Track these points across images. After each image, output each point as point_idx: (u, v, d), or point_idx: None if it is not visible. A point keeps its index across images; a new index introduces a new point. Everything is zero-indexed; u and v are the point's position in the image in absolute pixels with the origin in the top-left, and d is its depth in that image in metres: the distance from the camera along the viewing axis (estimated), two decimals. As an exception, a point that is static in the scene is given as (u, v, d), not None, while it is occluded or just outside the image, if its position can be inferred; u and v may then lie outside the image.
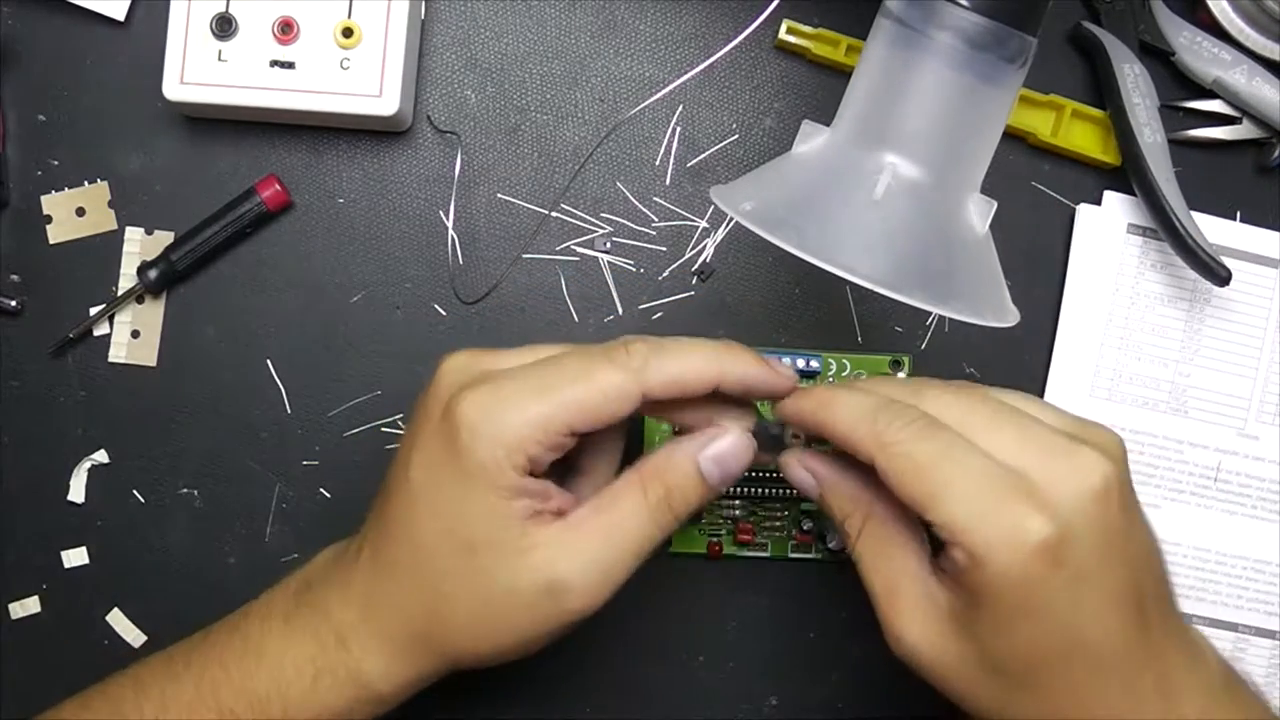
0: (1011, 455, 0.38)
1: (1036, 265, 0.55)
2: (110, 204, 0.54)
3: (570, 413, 0.40)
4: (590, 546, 0.41)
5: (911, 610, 0.40)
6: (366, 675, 0.42)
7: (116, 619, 0.54)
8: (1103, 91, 0.54)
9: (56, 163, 0.54)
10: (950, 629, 0.39)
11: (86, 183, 0.54)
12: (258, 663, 0.43)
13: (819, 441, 0.43)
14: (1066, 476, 0.37)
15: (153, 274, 0.53)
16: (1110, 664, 0.38)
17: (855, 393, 0.40)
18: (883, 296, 0.39)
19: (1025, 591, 0.37)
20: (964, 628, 0.39)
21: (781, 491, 0.53)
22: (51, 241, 0.54)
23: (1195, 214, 0.53)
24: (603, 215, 0.55)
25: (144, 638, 0.54)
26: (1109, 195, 0.55)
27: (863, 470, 0.41)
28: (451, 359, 0.43)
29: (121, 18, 0.54)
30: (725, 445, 0.42)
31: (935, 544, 0.41)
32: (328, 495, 0.54)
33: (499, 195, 0.55)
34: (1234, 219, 0.55)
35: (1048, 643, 0.38)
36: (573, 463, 0.45)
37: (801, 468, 0.43)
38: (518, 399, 0.40)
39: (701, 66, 0.51)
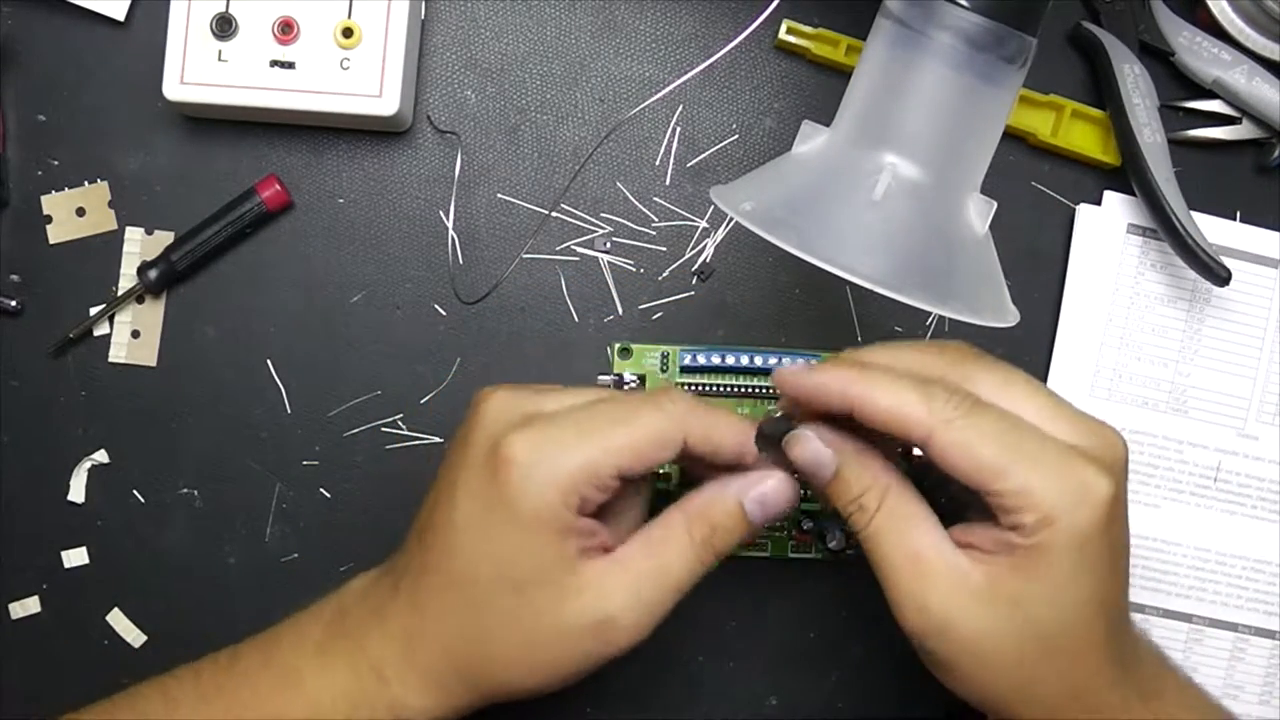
0: (1055, 428, 0.40)
1: (1036, 265, 0.55)
2: (110, 204, 0.54)
3: (620, 457, 0.41)
4: (639, 585, 0.41)
5: (940, 580, 0.40)
6: (407, 711, 0.42)
7: (116, 619, 0.54)
8: (1103, 91, 0.54)
9: (56, 163, 0.54)
10: (985, 601, 0.39)
11: (86, 183, 0.54)
12: (295, 694, 0.43)
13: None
14: (1106, 447, 0.40)
15: (153, 274, 0.53)
16: (1121, 631, 0.41)
17: (890, 370, 0.40)
18: (883, 296, 0.39)
19: (1090, 547, 0.38)
20: (1008, 600, 0.39)
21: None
22: (51, 241, 0.54)
23: (1195, 214, 0.53)
24: (603, 215, 0.55)
25: (144, 638, 0.54)
26: (1109, 195, 0.55)
27: (874, 447, 0.42)
28: (492, 397, 0.43)
29: (121, 18, 0.54)
30: (770, 487, 0.43)
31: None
32: (328, 495, 0.54)
33: (499, 195, 0.55)
34: (1234, 219, 0.55)
35: (1093, 605, 0.39)
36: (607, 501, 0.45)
37: (818, 442, 0.42)
38: (569, 442, 0.41)
39: (701, 66, 0.51)
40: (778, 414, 0.44)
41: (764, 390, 0.54)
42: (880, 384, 0.40)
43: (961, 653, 0.40)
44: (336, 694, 0.42)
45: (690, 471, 0.47)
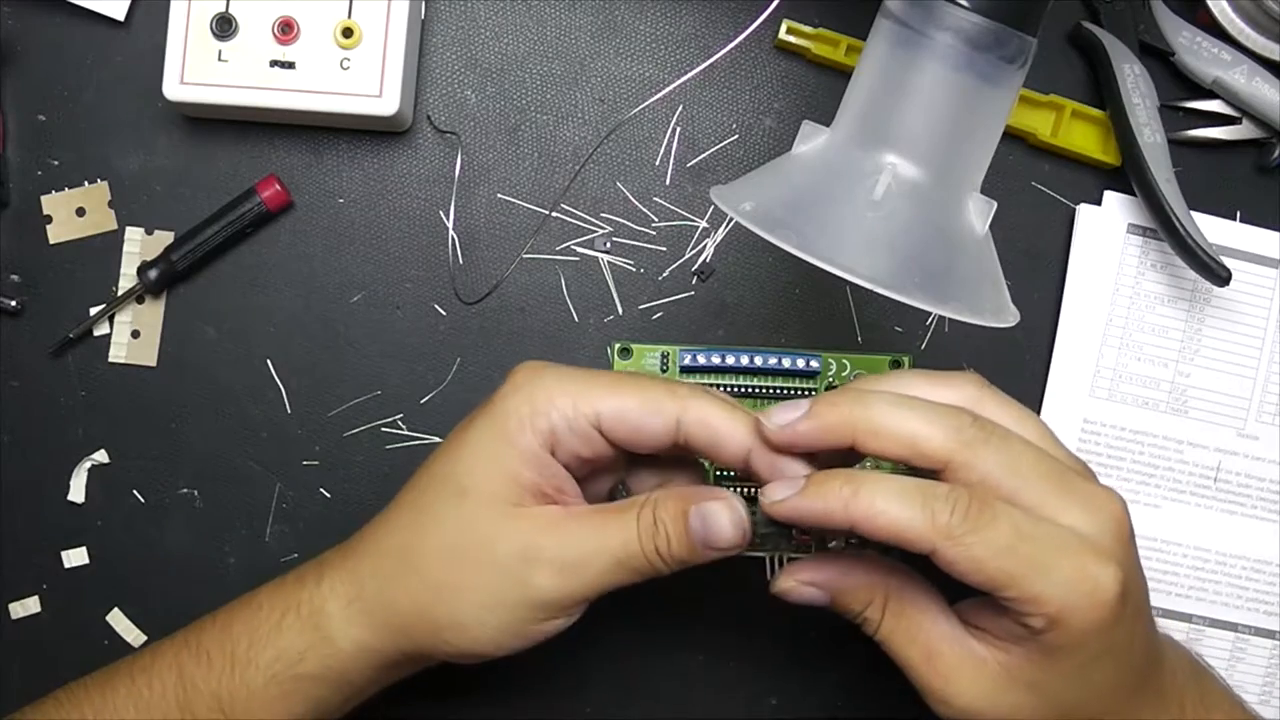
0: (1058, 510, 0.39)
1: (1036, 265, 0.55)
2: (110, 204, 0.54)
3: (605, 404, 0.41)
4: (573, 532, 0.41)
5: (958, 673, 0.40)
6: (326, 616, 0.42)
7: (116, 619, 0.54)
8: (1103, 91, 0.54)
9: (56, 163, 0.54)
10: (1003, 684, 0.40)
11: (86, 183, 0.54)
12: (243, 606, 0.44)
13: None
14: (1107, 523, 0.39)
15: (153, 274, 0.53)
16: (1148, 673, 0.41)
17: (887, 481, 0.39)
18: (883, 296, 0.39)
19: (1105, 638, 0.38)
20: (1027, 686, 0.39)
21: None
22: (51, 241, 0.54)
23: (1195, 214, 0.53)
24: (603, 215, 0.55)
25: (144, 638, 0.54)
26: (1109, 195, 0.55)
27: (865, 554, 0.42)
28: (524, 364, 0.43)
29: (121, 18, 0.54)
30: (715, 507, 0.41)
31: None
32: (328, 495, 0.54)
33: (499, 195, 0.55)
34: (1234, 219, 0.55)
35: (1120, 674, 0.40)
36: None
37: (805, 586, 0.42)
38: (564, 373, 0.42)
39: (701, 66, 0.51)
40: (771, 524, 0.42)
41: (764, 390, 0.54)
42: (877, 500, 0.38)
43: None
44: (276, 600, 0.43)
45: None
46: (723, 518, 0.41)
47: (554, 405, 0.41)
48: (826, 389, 0.54)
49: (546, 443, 0.41)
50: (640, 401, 0.41)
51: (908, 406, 0.39)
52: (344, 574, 0.43)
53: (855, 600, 0.42)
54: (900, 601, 0.41)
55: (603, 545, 0.41)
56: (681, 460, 0.46)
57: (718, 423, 0.41)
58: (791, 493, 0.40)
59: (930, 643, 0.40)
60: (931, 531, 0.38)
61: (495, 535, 0.41)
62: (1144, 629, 0.41)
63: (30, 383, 0.54)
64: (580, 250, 0.55)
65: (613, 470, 0.45)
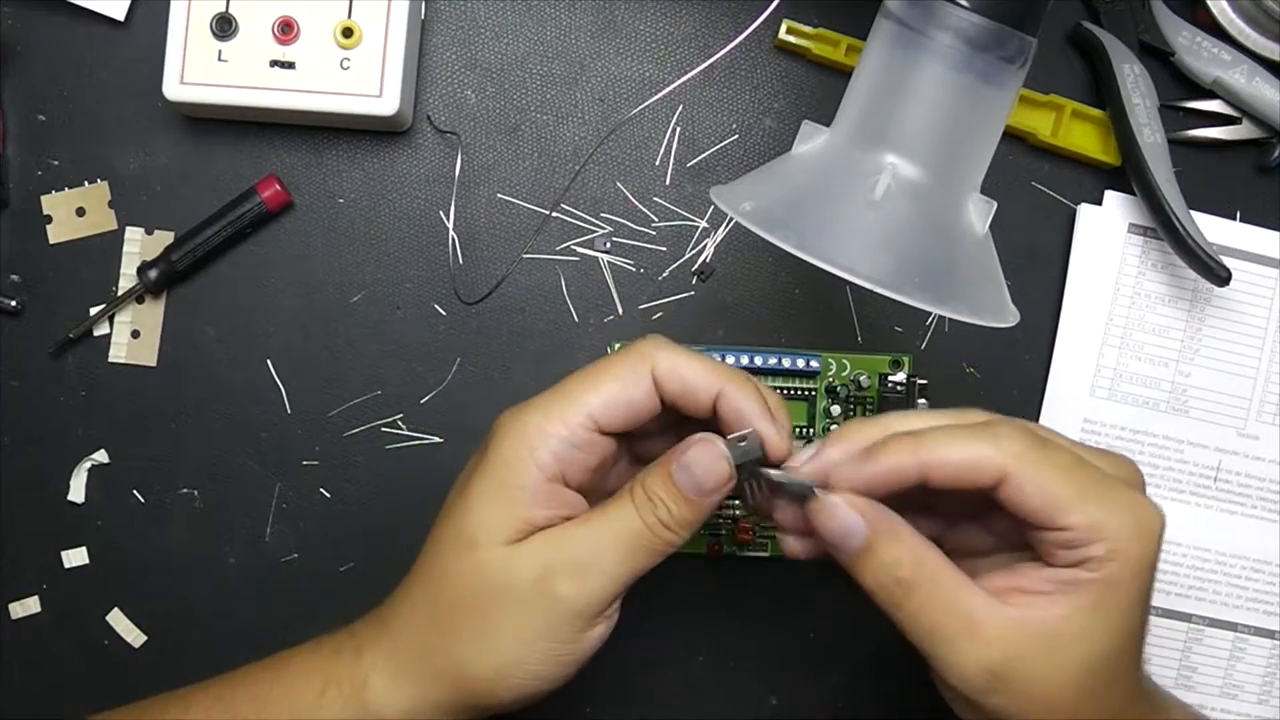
0: (1092, 459, 0.40)
1: (1036, 265, 0.55)
2: (110, 204, 0.54)
3: (591, 402, 0.41)
4: (578, 535, 0.41)
5: (998, 636, 0.39)
6: (370, 690, 0.41)
7: (116, 619, 0.54)
8: (1103, 91, 0.54)
9: (56, 163, 0.54)
10: (1049, 644, 0.39)
11: (86, 183, 0.54)
12: (277, 676, 0.43)
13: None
14: (1137, 477, 0.41)
15: (153, 274, 0.53)
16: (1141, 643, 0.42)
17: (938, 429, 0.40)
18: (883, 296, 0.39)
19: (1149, 575, 0.39)
20: (1074, 637, 0.39)
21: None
22: (51, 241, 0.54)
23: (1195, 214, 0.53)
24: (603, 215, 0.55)
25: (144, 638, 0.54)
26: (1109, 195, 0.55)
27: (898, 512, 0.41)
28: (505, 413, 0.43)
29: (121, 18, 0.54)
30: (691, 454, 0.41)
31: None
32: (328, 495, 0.54)
33: (499, 195, 0.55)
34: (1234, 219, 0.55)
35: (1141, 625, 0.40)
36: None
37: (848, 510, 0.40)
38: (541, 403, 0.41)
39: (701, 66, 0.51)
40: (741, 437, 0.41)
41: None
42: (943, 442, 0.39)
43: (1022, 699, 0.39)
44: (313, 671, 0.42)
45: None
46: (701, 458, 0.40)
47: (547, 434, 0.41)
48: (825, 389, 0.54)
49: (554, 475, 0.41)
50: (617, 380, 0.41)
51: (945, 427, 0.41)
52: (383, 648, 0.42)
53: (887, 550, 0.40)
54: (936, 566, 0.40)
55: (610, 537, 0.41)
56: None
57: (686, 370, 0.41)
58: (857, 467, 0.40)
59: (968, 609, 0.39)
60: (1000, 456, 0.39)
61: (510, 572, 0.40)
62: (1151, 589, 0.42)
63: (30, 383, 0.54)
64: (580, 250, 0.55)
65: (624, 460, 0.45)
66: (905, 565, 0.40)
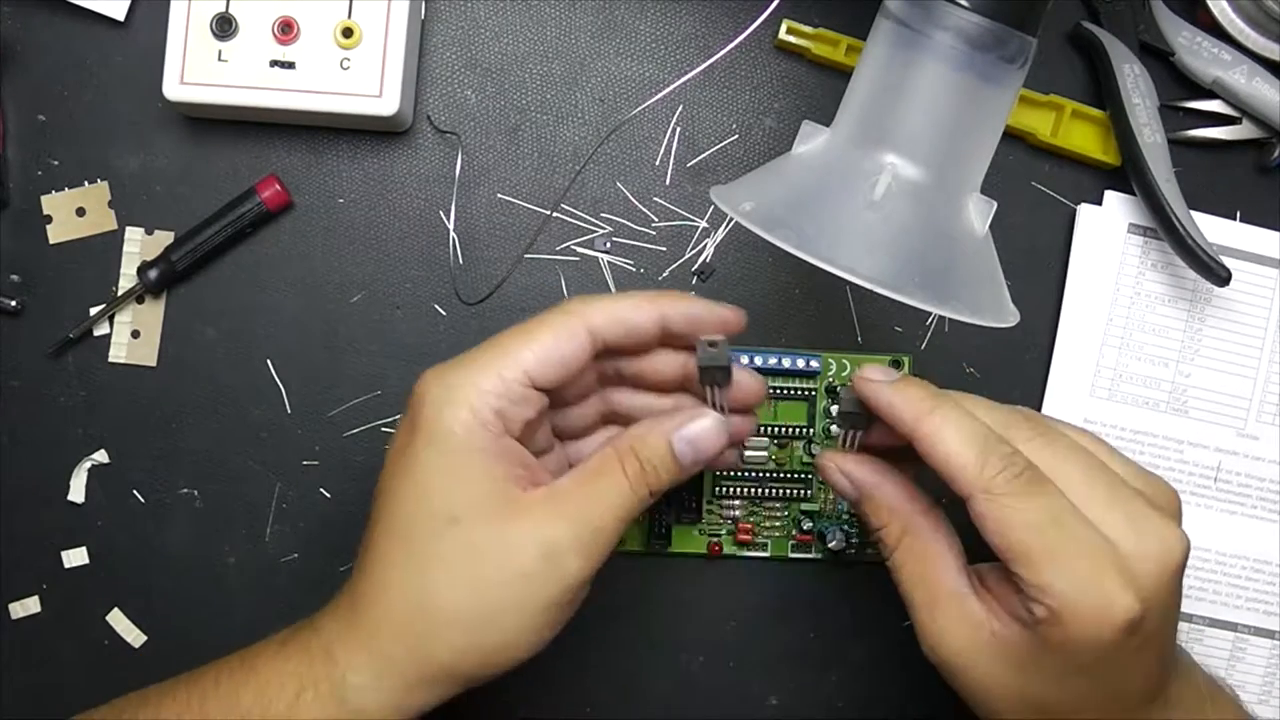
0: (1103, 519, 0.39)
1: (1036, 265, 0.55)
2: (110, 204, 0.54)
3: (525, 359, 0.40)
4: (576, 511, 0.40)
5: (954, 626, 0.41)
6: (350, 690, 0.40)
7: (116, 619, 0.54)
8: (1103, 91, 0.54)
9: (56, 163, 0.54)
10: (990, 652, 0.40)
11: (86, 183, 0.54)
12: (246, 678, 0.42)
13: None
14: (1154, 554, 0.39)
15: (153, 274, 0.53)
16: (1140, 703, 0.41)
17: (963, 417, 0.40)
18: (883, 296, 0.39)
19: (1098, 655, 0.38)
20: (1013, 664, 0.40)
21: (782, 491, 0.53)
22: (51, 241, 0.54)
23: (1195, 214, 0.53)
24: (603, 215, 0.55)
25: (144, 638, 0.54)
26: (1109, 195, 0.55)
27: (903, 479, 0.43)
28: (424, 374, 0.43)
29: (121, 18, 0.54)
30: (699, 428, 0.42)
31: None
32: (328, 495, 0.54)
33: (499, 195, 0.55)
34: (1234, 219, 0.55)
35: (1099, 695, 0.40)
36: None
37: (840, 474, 0.44)
38: (471, 363, 0.41)
39: (701, 67, 0.51)
40: (710, 342, 0.42)
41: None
42: (947, 427, 0.40)
43: (968, 691, 0.41)
44: (286, 676, 0.41)
45: (629, 413, 0.46)
46: (709, 433, 0.42)
47: (482, 391, 0.40)
48: (826, 389, 0.54)
49: (501, 431, 0.40)
50: (552, 335, 0.41)
51: (969, 402, 0.41)
52: (359, 648, 0.41)
53: (876, 512, 0.43)
54: (918, 539, 0.42)
55: (607, 509, 0.41)
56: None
57: (623, 313, 0.42)
58: (883, 379, 0.42)
59: (935, 590, 0.41)
60: (975, 478, 0.39)
61: (508, 548, 0.40)
62: (1147, 668, 0.41)
63: (30, 383, 0.54)
64: (580, 250, 0.55)
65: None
66: (890, 531, 0.42)
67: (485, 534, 0.40)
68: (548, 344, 0.41)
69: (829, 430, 0.53)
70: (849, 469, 0.43)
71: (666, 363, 0.44)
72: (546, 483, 0.41)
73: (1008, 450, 0.39)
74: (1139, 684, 0.41)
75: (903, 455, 0.43)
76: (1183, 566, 0.40)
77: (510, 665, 0.41)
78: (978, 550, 0.41)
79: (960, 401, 0.41)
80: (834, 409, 0.51)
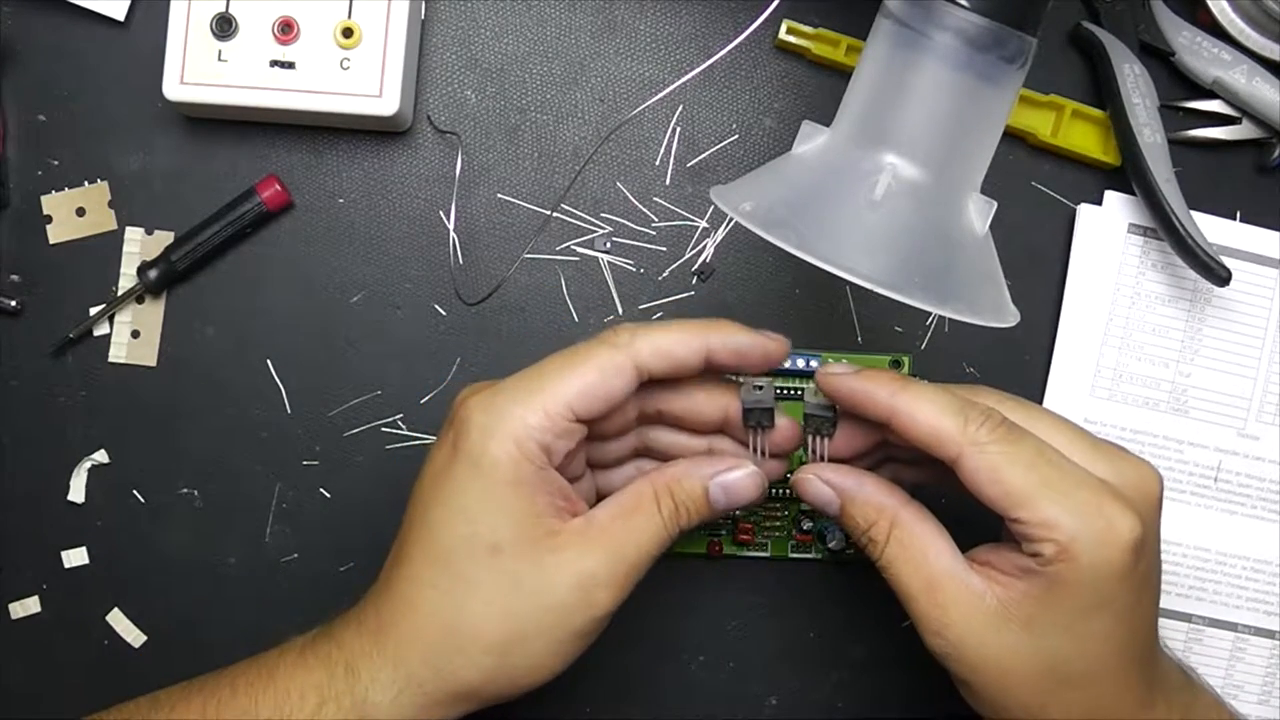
0: (1087, 461, 0.40)
1: (1036, 265, 0.55)
2: (110, 204, 0.54)
3: (569, 393, 0.41)
4: (613, 547, 0.41)
5: (955, 605, 0.40)
6: (372, 707, 0.41)
7: (116, 619, 0.54)
8: (1103, 91, 0.54)
9: (56, 163, 0.54)
10: (999, 624, 0.40)
11: (86, 183, 0.54)
12: (265, 688, 0.42)
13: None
14: (1139, 484, 0.40)
15: (153, 274, 0.53)
16: (1146, 661, 0.41)
17: (935, 388, 0.41)
18: (883, 296, 0.39)
19: (1108, 586, 0.39)
20: (1022, 624, 0.39)
21: (781, 491, 0.53)
22: (51, 241, 0.54)
23: (1195, 214, 0.53)
24: (603, 215, 0.55)
25: (144, 638, 0.54)
26: (1109, 195, 0.55)
27: (879, 476, 0.43)
28: (466, 388, 0.43)
29: (121, 18, 0.54)
30: (736, 477, 0.43)
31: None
32: (328, 495, 0.54)
33: (499, 195, 0.55)
34: (1234, 219, 0.55)
35: (1113, 640, 0.40)
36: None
37: (820, 483, 0.43)
38: (517, 392, 0.41)
39: (701, 67, 0.51)
40: (757, 385, 0.44)
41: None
42: (922, 398, 0.40)
43: (978, 673, 0.40)
44: (307, 688, 0.41)
45: (664, 450, 0.46)
46: (743, 483, 0.43)
47: (528, 425, 0.40)
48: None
49: (544, 461, 0.41)
50: (598, 372, 0.41)
51: (930, 387, 0.42)
52: (384, 665, 0.41)
53: (862, 514, 0.42)
54: (906, 530, 0.42)
55: (639, 544, 0.42)
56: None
57: (669, 346, 0.42)
58: (848, 370, 0.42)
59: (932, 573, 0.41)
60: (960, 436, 0.39)
61: (545, 580, 0.40)
62: (1149, 608, 0.41)
63: (30, 383, 0.54)
64: (580, 250, 0.55)
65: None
66: (878, 527, 0.42)
67: (525, 565, 0.40)
68: (592, 379, 0.41)
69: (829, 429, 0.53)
70: (828, 476, 0.43)
71: (709, 405, 0.44)
72: (583, 512, 0.42)
73: (984, 407, 0.40)
74: (1147, 622, 0.41)
75: (868, 463, 0.45)
76: (1161, 499, 0.41)
77: (533, 688, 0.42)
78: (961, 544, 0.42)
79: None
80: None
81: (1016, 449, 0.39)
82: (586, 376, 0.41)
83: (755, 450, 0.44)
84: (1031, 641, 0.39)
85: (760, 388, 0.44)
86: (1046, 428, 0.41)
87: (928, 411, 0.40)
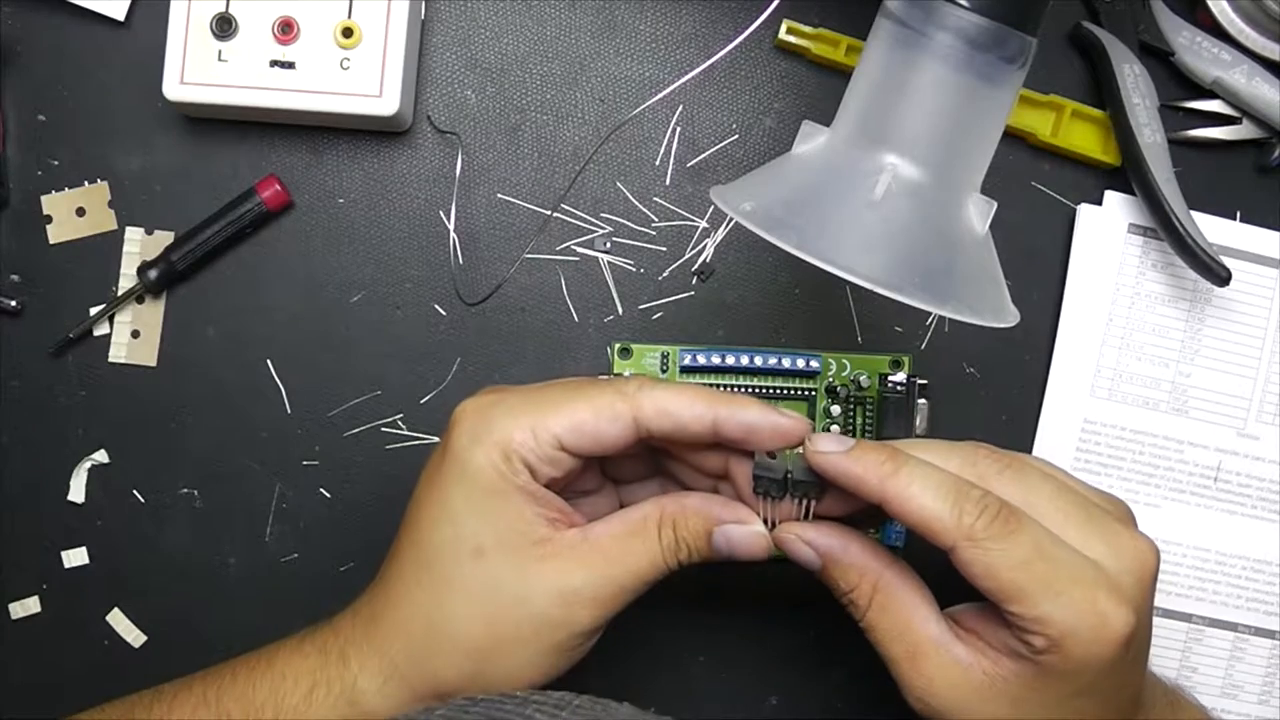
0: (1081, 542, 0.39)
1: (1036, 265, 0.55)
2: (110, 204, 0.54)
3: (560, 424, 0.41)
4: (601, 565, 0.41)
5: (940, 675, 0.40)
6: (360, 693, 0.41)
7: (116, 619, 0.54)
8: (1103, 91, 0.54)
9: (56, 163, 0.54)
10: (985, 697, 0.40)
11: (86, 183, 0.54)
12: (264, 673, 0.43)
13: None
14: (1132, 566, 0.39)
15: (153, 274, 0.53)
16: (1129, 708, 0.42)
17: (928, 470, 0.39)
18: (883, 296, 0.39)
19: (1098, 676, 0.38)
20: (1010, 701, 0.39)
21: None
22: (51, 241, 0.54)
23: (1195, 214, 0.53)
24: (603, 215, 0.55)
25: (144, 638, 0.54)
26: (1109, 195, 0.55)
27: (865, 537, 0.42)
28: (467, 401, 0.43)
29: (121, 18, 0.54)
30: (743, 533, 0.42)
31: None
32: (328, 495, 0.54)
33: (499, 195, 0.55)
34: (1234, 219, 0.55)
35: (1099, 712, 0.40)
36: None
37: (802, 544, 0.42)
38: (514, 407, 0.41)
39: (702, 67, 0.51)
40: (770, 453, 0.42)
41: (764, 390, 0.54)
42: (914, 484, 0.39)
43: None
44: (301, 673, 0.42)
45: (679, 477, 0.46)
46: (748, 540, 0.42)
47: (515, 441, 0.40)
48: (825, 389, 0.54)
49: (527, 478, 0.41)
50: (593, 412, 0.41)
51: (926, 450, 0.41)
52: (372, 654, 0.42)
53: (844, 577, 0.42)
54: (888, 595, 0.41)
55: (631, 570, 0.41)
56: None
57: (675, 408, 0.41)
58: (838, 449, 0.40)
59: (916, 641, 0.41)
60: (955, 529, 0.38)
61: (527, 589, 0.40)
62: (1137, 677, 0.41)
63: (30, 383, 0.54)
64: (580, 250, 0.55)
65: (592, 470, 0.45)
66: (860, 591, 0.41)
67: (507, 571, 0.40)
68: (584, 419, 0.41)
69: (828, 430, 0.53)
70: (811, 537, 0.42)
71: (713, 458, 0.44)
72: (581, 524, 0.42)
73: (979, 494, 0.39)
74: (1132, 692, 0.41)
75: (856, 520, 0.43)
76: (1157, 573, 0.40)
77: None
78: (944, 597, 0.42)
79: (917, 452, 0.41)
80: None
81: (1012, 544, 0.38)
82: (580, 414, 0.41)
83: (764, 519, 0.43)
84: (1019, 715, 0.40)
85: (774, 456, 0.42)
86: (1042, 498, 0.40)
87: (920, 502, 0.39)
